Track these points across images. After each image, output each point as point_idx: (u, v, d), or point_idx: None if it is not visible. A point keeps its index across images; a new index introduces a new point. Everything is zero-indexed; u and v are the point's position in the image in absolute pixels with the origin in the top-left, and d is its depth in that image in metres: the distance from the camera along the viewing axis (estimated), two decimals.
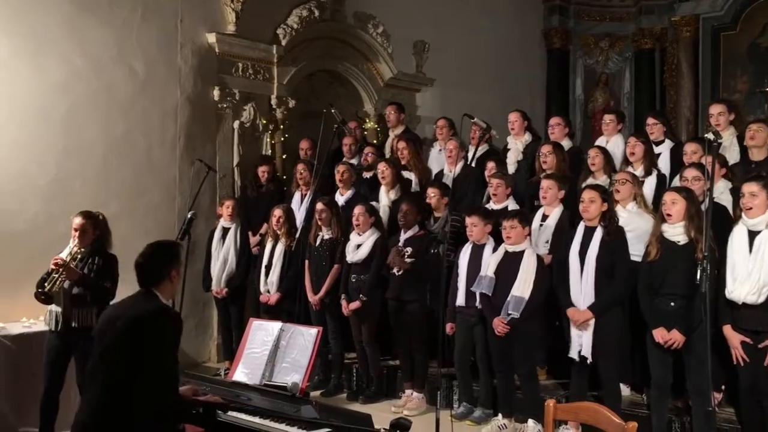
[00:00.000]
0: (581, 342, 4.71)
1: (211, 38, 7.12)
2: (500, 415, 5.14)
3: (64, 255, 4.78)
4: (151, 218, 6.73)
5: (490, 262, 5.11)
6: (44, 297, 4.71)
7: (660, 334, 4.44)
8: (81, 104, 6.22)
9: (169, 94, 6.85)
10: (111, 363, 3.08)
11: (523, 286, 4.89)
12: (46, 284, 4.70)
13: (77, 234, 4.84)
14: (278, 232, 6.21)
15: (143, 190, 6.68)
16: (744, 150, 5.65)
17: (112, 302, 3.80)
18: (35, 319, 5.39)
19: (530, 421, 4.95)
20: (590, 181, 5.62)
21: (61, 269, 4.68)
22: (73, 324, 4.76)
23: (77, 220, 4.88)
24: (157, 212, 6.78)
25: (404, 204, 5.74)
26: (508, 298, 4.90)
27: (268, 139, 7.67)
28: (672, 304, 4.44)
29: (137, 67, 6.61)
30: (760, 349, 4.17)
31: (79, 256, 4.79)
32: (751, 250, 4.23)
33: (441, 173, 6.70)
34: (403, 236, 5.67)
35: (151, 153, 6.74)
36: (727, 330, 4.30)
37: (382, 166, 6.40)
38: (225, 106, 7.27)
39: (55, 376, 4.83)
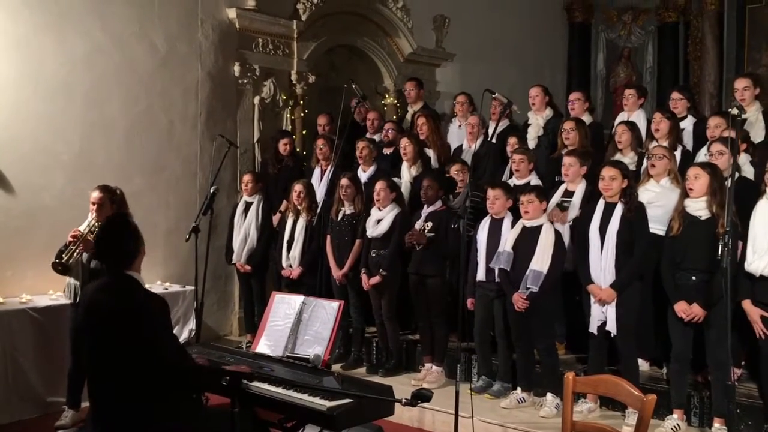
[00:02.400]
0: (602, 317, 4.73)
1: (232, 13, 7.12)
2: (519, 388, 5.18)
3: (83, 228, 4.88)
4: (173, 193, 6.81)
5: (508, 237, 5.12)
6: (61, 267, 4.83)
7: (681, 308, 4.45)
8: (103, 80, 6.27)
9: (189, 69, 6.89)
10: (108, 356, 3.05)
11: (541, 260, 4.91)
12: (63, 255, 4.82)
13: (95, 207, 4.94)
14: (299, 207, 6.25)
15: (165, 165, 6.75)
16: None
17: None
18: (62, 292, 5.51)
19: (549, 395, 4.99)
20: (618, 157, 5.56)
21: (78, 241, 4.79)
22: None
23: (95, 194, 4.98)
24: (178, 187, 6.85)
25: (426, 180, 5.75)
26: (527, 273, 4.92)
27: (288, 115, 7.69)
28: (693, 278, 4.45)
29: (158, 43, 6.64)
30: None
31: (96, 229, 4.88)
32: None
33: (460, 149, 6.69)
34: (425, 211, 5.69)
35: (173, 128, 6.80)
36: (747, 305, 4.31)
37: (404, 142, 6.41)
38: (245, 81, 7.30)
39: (79, 350, 4.94)
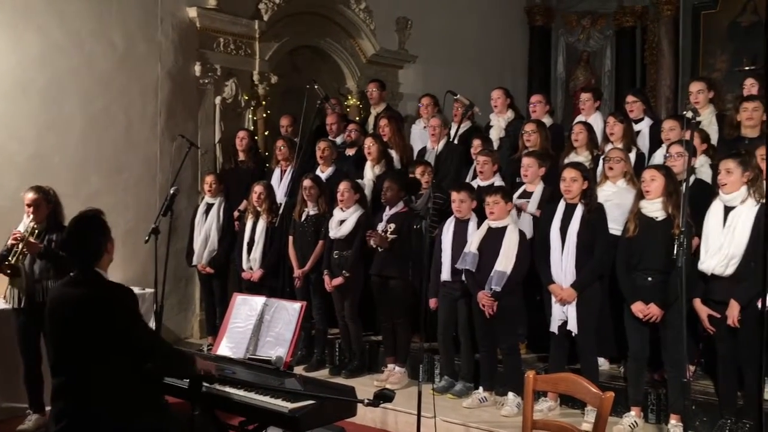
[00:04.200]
0: (563, 316, 4.79)
1: (192, 12, 7.05)
2: (481, 388, 5.22)
3: (21, 230, 4.83)
4: (132, 194, 6.71)
5: (473, 238, 5.16)
6: (10, 270, 4.77)
7: (638, 308, 4.54)
8: (60, 78, 6.15)
9: (149, 68, 6.79)
10: (77, 351, 3.02)
11: (505, 261, 4.96)
12: (10, 258, 4.74)
13: (32, 209, 4.89)
14: (259, 208, 6.21)
15: (123, 165, 6.65)
16: (722, 128, 5.72)
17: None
18: (2, 298, 5.37)
19: (510, 394, 5.04)
20: (572, 157, 5.68)
21: (20, 243, 4.73)
22: (37, 299, 4.80)
23: (30, 195, 4.93)
24: (137, 188, 6.75)
25: (386, 182, 5.75)
26: (492, 273, 4.96)
27: (250, 116, 7.64)
28: (649, 279, 4.53)
29: (117, 41, 6.54)
30: (728, 317, 4.30)
31: (36, 231, 4.83)
32: (725, 225, 4.34)
33: (424, 150, 6.72)
34: (387, 213, 5.70)
35: (132, 129, 6.70)
36: (697, 303, 4.44)
37: (368, 142, 6.41)
38: (206, 81, 7.22)
39: (30, 351, 4.87)
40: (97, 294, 3.07)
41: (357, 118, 8.13)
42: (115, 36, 6.52)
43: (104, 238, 3.20)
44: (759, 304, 3.80)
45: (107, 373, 2.99)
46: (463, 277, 5.20)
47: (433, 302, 5.45)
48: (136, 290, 6.22)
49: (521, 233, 5.07)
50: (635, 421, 4.67)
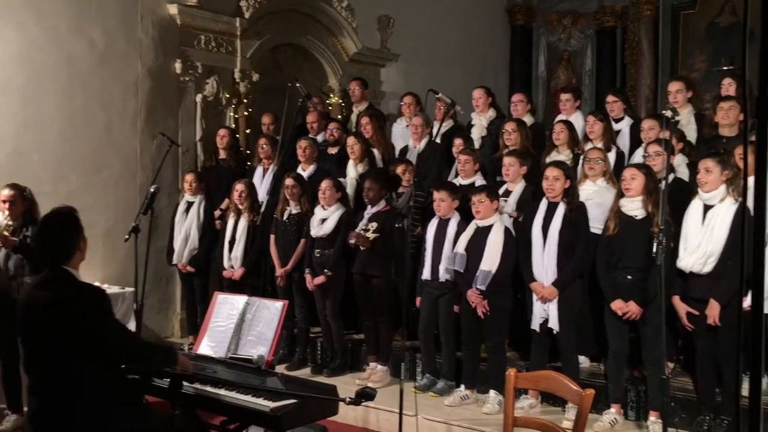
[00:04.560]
0: (544, 314, 4.82)
1: (173, 9, 7.00)
2: (462, 386, 5.24)
3: None
4: (111, 192, 6.65)
5: (461, 239, 5.15)
6: None
7: (617, 306, 4.57)
8: (39, 75, 6.08)
9: (129, 66, 6.74)
10: (48, 352, 2.98)
11: (490, 261, 4.97)
12: None
13: (7, 206, 4.96)
14: (240, 207, 6.19)
15: (103, 164, 6.59)
16: (701, 127, 5.79)
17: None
18: None
19: (492, 392, 5.06)
20: (554, 155, 5.71)
21: None
22: (12, 296, 4.79)
23: (6, 192, 5.00)
24: (117, 186, 6.70)
25: (367, 181, 5.75)
26: (477, 273, 4.98)
27: (232, 114, 7.60)
28: (629, 277, 4.57)
29: (96, 39, 6.47)
30: (708, 316, 4.35)
31: (12, 227, 4.85)
32: (703, 223, 4.40)
33: (406, 149, 6.72)
34: (369, 212, 5.70)
35: (111, 126, 6.64)
36: (676, 300, 4.49)
37: (351, 141, 6.40)
38: (187, 79, 7.18)
39: (7, 350, 4.82)
40: (68, 294, 3.01)
41: (339, 117, 8.12)
42: (95, 33, 6.46)
43: (77, 235, 3.14)
44: (743, 302, 3.87)
45: (80, 373, 2.96)
46: (449, 277, 5.21)
47: (418, 301, 5.46)
48: (116, 289, 6.31)
49: (507, 231, 5.08)
50: (615, 418, 4.72)
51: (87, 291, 3.09)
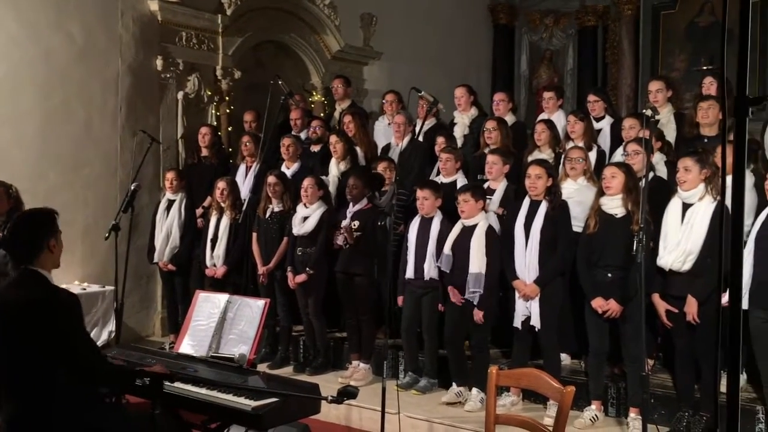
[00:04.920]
0: (526, 312, 4.84)
1: (153, 6, 6.94)
2: (454, 384, 5.23)
3: None
4: (91, 190, 6.59)
5: (448, 239, 5.15)
6: None
7: (598, 304, 4.60)
8: (17, 71, 6.01)
9: (109, 63, 6.67)
10: (16, 354, 2.91)
11: (478, 262, 4.97)
12: None
13: None
14: (222, 204, 6.16)
15: (83, 161, 6.52)
16: (680, 126, 5.84)
17: None
18: None
19: (474, 389, 5.08)
20: (536, 154, 5.73)
21: None
22: None
23: None
24: (97, 184, 6.63)
25: (351, 178, 5.75)
26: (468, 278, 4.98)
27: (213, 111, 7.56)
28: (609, 275, 4.60)
29: (75, 34, 6.41)
30: (687, 314, 4.39)
31: None
32: (683, 221, 4.43)
33: (388, 147, 6.72)
34: (351, 210, 5.69)
35: (91, 123, 6.57)
36: (655, 298, 4.53)
37: (333, 139, 6.39)
38: (168, 76, 7.12)
39: None
40: (36, 295, 2.95)
41: (322, 114, 8.10)
42: (74, 29, 6.39)
43: (45, 234, 3.05)
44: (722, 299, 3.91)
45: (54, 375, 2.91)
46: (425, 275, 5.22)
47: (401, 300, 5.46)
48: (96, 288, 6.26)
49: (491, 230, 5.08)
50: (596, 415, 4.75)
51: (57, 294, 3.01)
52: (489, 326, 5.19)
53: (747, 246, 4.17)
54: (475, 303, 4.98)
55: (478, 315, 4.98)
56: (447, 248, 5.11)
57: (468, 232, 5.07)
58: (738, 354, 1.51)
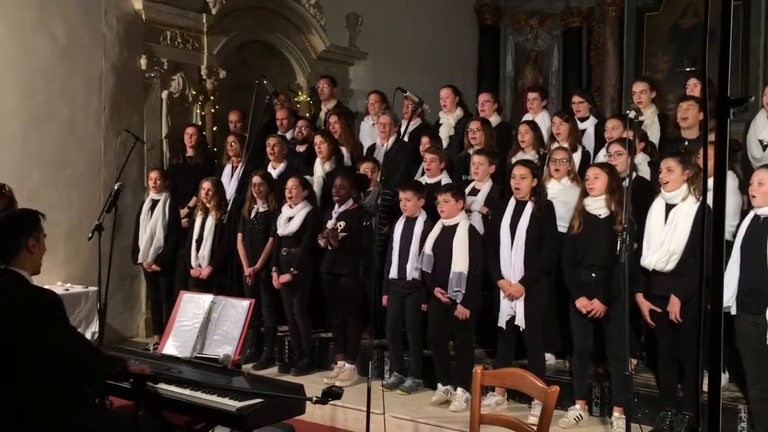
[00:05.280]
0: (511, 311, 4.85)
1: (138, 4, 6.90)
2: (439, 384, 5.23)
3: None
4: (75, 190, 6.54)
5: (428, 239, 5.16)
6: None
7: (582, 304, 4.62)
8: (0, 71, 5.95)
9: (93, 62, 6.62)
10: (5, 354, 2.89)
11: (460, 261, 4.98)
12: None
13: None
14: (207, 205, 6.13)
15: (66, 161, 6.47)
16: (664, 127, 5.88)
17: None
18: None
19: (459, 389, 5.09)
20: (520, 155, 5.75)
21: None
22: None
23: None
24: (81, 184, 6.58)
25: (338, 179, 5.74)
26: (450, 277, 4.99)
27: (198, 110, 7.52)
28: (593, 275, 4.63)
29: (58, 34, 6.35)
30: (670, 313, 4.43)
31: None
32: (666, 222, 4.47)
33: (373, 147, 6.72)
34: (337, 210, 5.68)
35: (75, 123, 6.52)
36: (639, 298, 4.56)
37: (318, 139, 6.39)
38: (153, 75, 7.08)
39: None
40: (15, 296, 2.92)
41: (307, 114, 8.09)
42: (57, 28, 6.34)
43: (24, 233, 3.03)
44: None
45: (38, 376, 2.89)
46: (417, 275, 5.22)
47: (385, 299, 5.46)
48: (79, 288, 6.21)
49: (472, 230, 5.10)
50: (580, 414, 4.77)
51: (38, 294, 2.99)
52: (473, 326, 5.20)
53: (733, 254, 4.20)
54: (458, 302, 4.99)
55: (462, 311, 4.98)
56: (428, 248, 5.12)
57: (449, 231, 5.08)
58: (719, 353, 1.52)
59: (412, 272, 5.24)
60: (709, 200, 1.55)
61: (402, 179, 6.00)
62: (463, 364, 5.13)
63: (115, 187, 5.56)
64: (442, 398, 5.16)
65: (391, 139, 6.38)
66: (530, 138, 5.87)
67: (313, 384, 4.86)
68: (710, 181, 1.66)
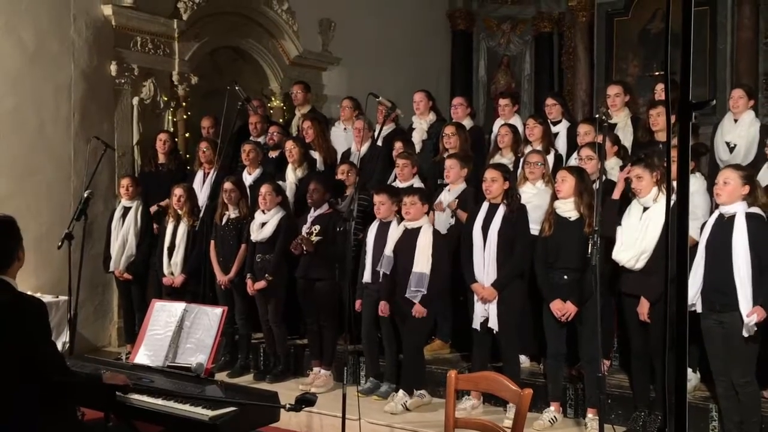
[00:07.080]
0: (484, 314, 4.87)
1: (107, 10, 6.82)
2: (414, 389, 5.22)
3: None
4: (44, 198, 6.44)
5: (388, 240, 5.17)
6: None
7: (557, 307, 4.66)
8: None
9: (62, 68, 6.54)
10: None
11: (422, 262, 4.99)
12: None
13: None
14: (179, 212, 6.08)
15: (35, 168, 6.37)
16: (637, 131, 5.95)
17: None
18: None
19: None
20: (497, 158, 5.80)
21: None
22: None
23: None
24: (50, 192, 6.48)
25: (312, 183, 5.73)
26: (411, 276, 5.00)
27: (170, 117, 7.46)
28: (565, 277, 4.67)
29: (27, 39, 6.26)
30: (639, 314, 4.47)
31: None
32: (640, 221, 4.53)
33: (348, 152, 6.72)
34: (312, 215, 5.67)
35: (44, 130, 6.43)
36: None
37: (289, 145, 6.37)
38: (123, 81, 7.01)
39: None
40: (4, 301, 2.90)
41: (281, 120, 8.06)
42: (25, 34, 6.25)
43: (16, 244, 3.04)
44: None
45: (11, 384, 2.85)
46: (381, 279, 5.23)
47: (358, 304, 5.45)
48: (50, 298, 6.11)
49: (436, 233, 5.12)
50: (554, 416, 4.80)
51: (25, 300, 2.98)
52: (425, 330, 5.22)
53: (698, 252, 4.25)
54: (416, 302, 4.99)
55: (419, 310, 4.98)
56: (388, 250, 5.13)
57: (412, 234, 5.09)
58: (685, 353, 1.53)
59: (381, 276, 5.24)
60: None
61: (377, 184, 6.01)
62: (408, 367, 5.12)
63: (85, 195, 5.49)
64: (417, 404, 5.14)
65: (366, 144, 6.39)
66: (509, 140, 5.94)
67: (289, 391, 4.84)
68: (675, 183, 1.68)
